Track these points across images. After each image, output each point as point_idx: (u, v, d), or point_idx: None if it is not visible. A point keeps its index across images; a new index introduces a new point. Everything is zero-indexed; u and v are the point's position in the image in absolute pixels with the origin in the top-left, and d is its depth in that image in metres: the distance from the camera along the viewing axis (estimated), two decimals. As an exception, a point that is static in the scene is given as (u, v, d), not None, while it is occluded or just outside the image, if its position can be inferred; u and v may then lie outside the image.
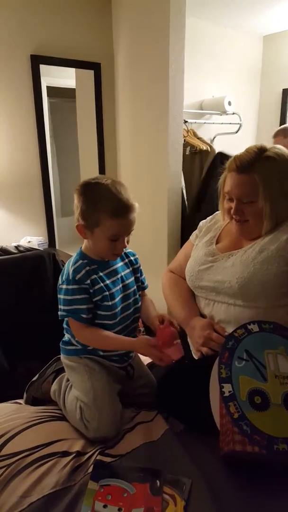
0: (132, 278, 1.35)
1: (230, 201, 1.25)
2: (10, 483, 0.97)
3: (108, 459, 1.05)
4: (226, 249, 1.32)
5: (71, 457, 1.05)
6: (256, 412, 0.94)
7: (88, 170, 2.75)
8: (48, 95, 2.41)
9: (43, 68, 2.29)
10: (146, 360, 1.51)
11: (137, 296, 1.35)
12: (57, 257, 2.10)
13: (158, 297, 1.41)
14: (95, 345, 1.26)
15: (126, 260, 1.35)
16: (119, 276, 1.29)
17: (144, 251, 2.51)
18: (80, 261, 1.22)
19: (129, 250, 1.37)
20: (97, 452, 1.08)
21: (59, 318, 1.25)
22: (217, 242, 1.38)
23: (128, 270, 1.34)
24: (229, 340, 1.08)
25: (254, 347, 1.06)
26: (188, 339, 1.42)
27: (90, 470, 1.01)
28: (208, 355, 1.20)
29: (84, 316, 1.20)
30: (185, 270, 1.43)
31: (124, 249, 1.27)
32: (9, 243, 2.24)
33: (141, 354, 1.29)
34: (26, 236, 2.40)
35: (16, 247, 2.13)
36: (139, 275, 1.39)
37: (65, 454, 1.06)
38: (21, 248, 2.14)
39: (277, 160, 1.17)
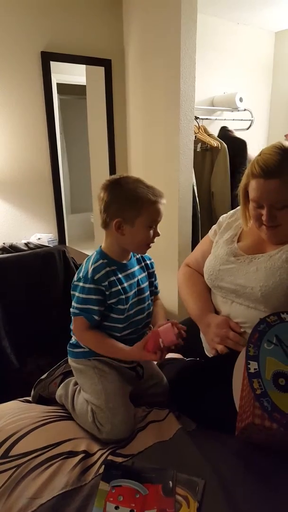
0: (147, 283, 1.34)
1: (259, 208, 1.17)
2: (19, 484, 0.96)
3: (119, 459, 1.04)
4: (248, 249, 1.28)
5: (80, 457, 1.04)
6: (279, 392, 0.94)
7: (98, 167, 2.74)
8: (58, 92, 2.40)
9: (54, 65, 2.28)
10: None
11: (150, 301, 1.35)
12: (67, 254, 2.10)
13: (167, 294, 1.40)
14: (93, 348, 1.24)
15: (143, 264, 1.35)
16: (135, 279, 1.28)
17: (155, 247, 2.50)
18: (101, 261, 1.21)
19: (145, 254, 1.36)
20: (108, 452, 1.07)
21: (71, 315, 1.23)
22: (238, 241, 1.33)
23: (144, 274, 1.34)
24: (261, 323, 1.07)
25: (285, 335, 1.05)
26: (201, 336, 1.40)
27: (101, 470, 0.99)
28: (223, 353, 1.18)
29: (95, 317, 1.19)
30: (201, 266, 1.40)
31: (137, 254, 1.33)
32: (19, 240, 2.25)
33: (140, 360, 1.28)
34: (36, 233, 2.40)
35: (26, 244, 2.13)
36: (153, 279, 1.39)
37: (75, 454, 1.05)
38: (31, 245, 2.14)
39: None
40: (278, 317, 1.09)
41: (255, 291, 1.18)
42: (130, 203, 1.16)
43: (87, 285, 1.17)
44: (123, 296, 1.21)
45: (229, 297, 1.28)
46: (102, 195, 1.19)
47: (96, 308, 1.18)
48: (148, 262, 1.38)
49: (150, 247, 1.26)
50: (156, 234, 1.23)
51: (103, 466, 1.01)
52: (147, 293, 1.32)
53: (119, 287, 1.21)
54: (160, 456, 1.05)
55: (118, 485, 0.95)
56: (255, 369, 0.98)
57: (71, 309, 1.22)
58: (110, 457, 1.05)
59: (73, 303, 1.21)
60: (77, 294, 1.19)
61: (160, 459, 1.04)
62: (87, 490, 0.94)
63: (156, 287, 1.42)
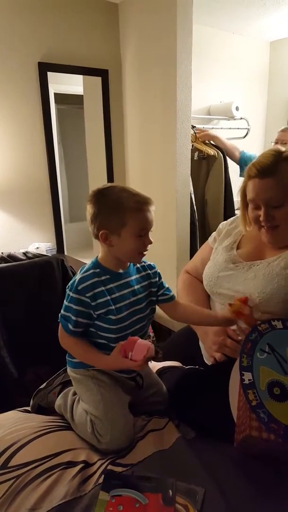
0: (146, 293, 1.29)
1: (256, 209, 1.19)
2: (19, 496, 0.95)
3: (119, 469, 1.03)
4: (247, 256, 1.29)
5: (80, 467, 1.03)
6: (275, 402, 0.94)
7: (96, 176, 2.76)
8: (56, 102, 2.43)
9: (51, 75, 2.30)
10: (155, 367, 1.49)
11: (147, 312, 1.29)
12: (66, 263, 2.10)
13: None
14: (74, 355, 1.23)
15: (144, 273, 1.30)
16: (131, 289, 1.25)
17: (153, 255, 2.50)
18: (91, 271, 1.19)
19: (149, 263, 1.33)
20: (107, 462, 1.06)
21: (58, 321, 1.23)
22: (237, 248, 1.34)
23: (144, 283, 1.28)
24: (252, 332, 1.07)
25: (277, 343, 1.04)
26: (200, 344, 1.40)
27: (100, 480, 0.99)
28: (221, 361, 1.18)
29: (70, 327, 1.17)
30: (201, 272, 1.41)
31: (143, 261, 1.28)
32: (18, 250, 2.25)
33: (118, 368, 1.22)
34: (34, 242, 2.40)
35: (25, 254, 2.14)
36: (156, 289, 1.31)
37: (74, 464, 1.04)
38: (30, 255, 2.14)
39: None
40: (269, 325, 1.09)
41: (253, 297, 1.18)
42: (114, 213, 1.14)
43: (71, 293, 1.17)
44: (113, 307, 1.18)
45: (227, 303, 1.28)
46: (88, 206, 1.17)
47: (73, 318, 1.16)
48: (150, 271, 1.31)
49: (144, 255, 1.23)
50: (148, 242, 1.20)
51: (102, 476, 1.00)
52: (144, 303, 1.28)
53: (108, 297, 1.18)
54: (160, 465, 1.04)
55: (118, 495, 0.94)
56: (249, 379, 0.97)
57: (59, 314, 1.22)
58: (109, 467, 1.04)
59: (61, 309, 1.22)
60: (64, 300, 1.20)
61: (159, 468, 1.03)
62: (87, 500, 0.93)
63: (167, 294, 1.33)
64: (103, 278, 1.19)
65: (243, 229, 1.33)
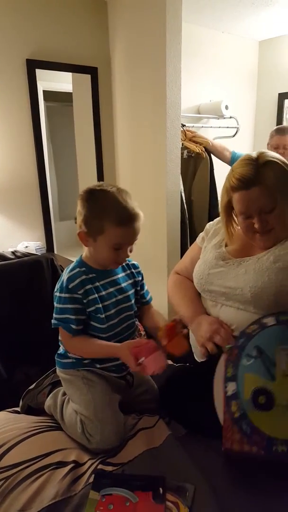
0: (133, 291, 1.31)
1: (248, 219, 1.20)
2: (8, 497, 0.94)
3: (109, 468, 1.03)
4: (236, 253, 1.30)
5: (70, 467, 1.03)
6: (259, 412, 0.93)
7: (86, 174, 2.75)
8: (44, 99, 2.40)
9: (39, 72, 2.28)
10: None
11: (134, 311, 1.31)
12: (56, 262, 2.08)
13: (157, 300, 1.39)
14: (83, 354, 1.23)
15: (128, 272, 1.32)
16: (118, 287, 1.25)
17: (144, 254, 2.50)
18: (77, 269, 1.19)
19: (133, 262, 1.33)
20: (98, 461, 1.06)
21: (52, 327, 1.22)
22: (226, 245, 1.35)
23: (129, 282, 1.30)
24: (240, 337, 1.06)
25: (266, 343, 1.03)
26: (191, 341, 1.40)
27: (91, 480, 0.98)
28: (213, 353, 1.18)
29: (73, 326, 1.17)
30: (191, 272, 1.41)
31: (127, 259, 1.27)
32: (6, 249, 2.22)
33: (122, 360, 1.20)
34: (23, 241, 2.38)
35: (13, 253, 2.11)
36: (139, 288, 1.34)
37: (64, 464, 1.04)
38: (18, 254, 2.12)
39: (277, 162, 1.17)
40: (259, 324, 1.07)
41: (244, 292, 1.19)
42: (95, 218, 1.12)
43: (63, 295, 1.17)
44: (100, 305, 1.19)
45: (218, 300, 1.29)
46: (77, 202, 1.17)
47: (73, 317, 1.17)
48: (134, 270, 1.33)
49: (121, 264, 1.23)
50: (124, 255, 1.18)
51: (93, 476, 1.00)
52: (132, 301, 1.29)
53: (96, 295, 1.19)
54: (150, 463, 1.05)
55: (108, 494, 0.94)
56: (233, 390, 0.96)
57: (52, 320, 1.21)
58: (100, 466, 1.04)
59: (54, 314, 1.20)
60: (56, 304, 1.19)
61: (150, 466, 1.04)
62: (77, 500, 0.93)
63: (144, 297, 1.37)
64: (90, 276, 1.20)
65: (228, 241, 1.34)
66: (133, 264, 1.34)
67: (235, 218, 1.30)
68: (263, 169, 1.14)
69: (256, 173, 1.14)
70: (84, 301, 1.17)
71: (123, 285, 1.27)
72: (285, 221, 1.19)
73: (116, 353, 1.17)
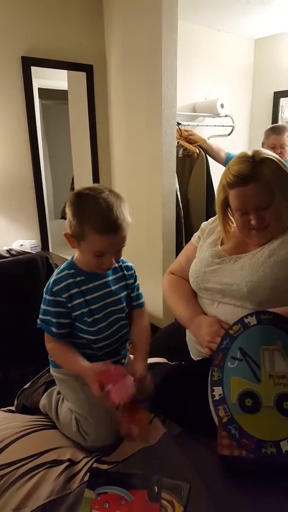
0: (124, 293, 1.28)
1: (245, 215, 1.21)
2: (3, 496, 0.94)
3: (104, 466, 1.03)
4: (232, 251, 1.31)
5: (65, 465, 1.03)
6: (246, 414, 0.93)
7: (81, 172, 2.74)
8: (40, 97, 2.39)
9: (35, 70, 2.26)
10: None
11: (125, 313, 1.29)
12: (51, 261, 2.07)
13: (152, 299, 1.39)
14: (56, 361, 1.23)
15: (120, 274, 1.28)
16: (107, 290, 1.23)
17: (139, 253, 2.50)
18: (65, 272, 1.18)
19: (126, 264, 1.30)
20: (93, 460, 1.06)
21: (37, 326, 1.21)
22: (221, 243, 1.36)
23: (120, 284, 1.27)
24: (223, 339, 1.06)
25: (250, 344, 1.04)
26: (188, 341, 1.41)
27: (86, 478, 0.98)
28: None
29: (54, 330, 1.16)
30: (186, 271, 1.42)
31: (121, 260, 1.26)
32: (1, 247, 2.22)
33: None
34: (19, 239, 2.37)
35: (8, 251, 2.11)
36: (131, 291, 1.31)
37: (59, 462, 1.04)
38: (13, 252, 2.11)
39: (273, 159, 1.19)
40: (242, 324, 1.07)
41: (241, 287, 1.21)
42: (77, 223, 1.09)
43: (47, 297, 1.16)
44: (86, 309, 1.17)
45: (215, 298, 1.30)
46: (66, 202, 1.14)
47: (54, 320, 1.16)
48: (126, 272, 1.29)
49: (107, 270, 1.20)
50: (108, 262, 1.14)
51: (88, 474, 1.00)
52: (123, 304, 1.28)
53: (82, 299, 1.17)
54: (146, 462, 1.05)
55: (103, 492, 0.94)
56: (219, 395, 0.96)
57: (38, 320, 1.20)
58: (95, 465, 1.04)
59: (39, 314, 1.20)
60: (42, 305, 1.19)
61: (145, 464, 1.04)
62: (72, 498, 0.93)
63: (135, 300, 1.33)
64: (78, 279, 1.18)
65: (224, 238, 1.36)
66: (127, 266, 1.30)
67: (231, 217, 1.32)
68: (260, 166, 1.16)
69: (253, 169, 1.15)
70: (69, 305, 1.16)
71: (113, 287, 1.25)
72: (280, 218, 1.20)
73: (83, 373, 1.14)
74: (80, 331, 1.21)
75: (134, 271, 1.32)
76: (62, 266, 1.21)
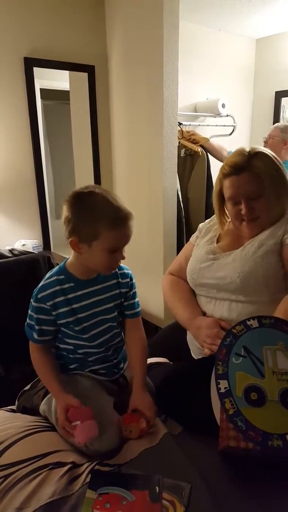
0: (116, 302, 1.24)
1: (236, 205, 1.28)
2: (6, 495, 0.94)
3: (106, 469, 1.03)
4: (226, 248, 1.35)
5: (67, 467, 1.03)
6: (252, 408, 0.94)
7: (83, 172, 2.74)
8: (42, 97, 2.40)
9: (37, 70, 2.27)
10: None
11: (117, 321, 1.26)
12: (52, 260, 2.08)
13: (153, 299, 1.39)
14: (36, 371, 1.20)
15: (114, 281, 1.24)
16: (97, 298, 1.20)
17: (140, 253, 2.50)
18: (55, 277, 1.15)
19: (124, 271, 1.26)
20: (95, 462, 1.05)
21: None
22: (217, 242, 1.40)
23: (113, 292, 1.23)
24: (227, 336, 1.07)
25: (253, 343, 1.05)
26: (188, 341, 1.41)
27: (88, 480, 0.99)
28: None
29: (35, 336, 1.15)
30: (185, 271, 1.43)
31: (119, 267, 1.23)
32: (3, 247, 2.22)
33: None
34: (21, 239, 2.38)
35: (11, 251, 2.11)
36: (123, 300, 1.27)
37: (62, 464, 1.04)
38: (16, 252, 2.12)
39: (267, 154, 1.26)
40: (244, 326, 1.08)
41: (234, 279, 1.25)
42: (87, 223, 1.05)
43: (32, 302, 1.15)
44: (73, 318, 1.15)
45: (211, 294, 1.32)
46: (63, 207, 1.09)
47: (36, 327, 1.14)
48: (121, 280, 1.24)
49: (115, 268, 1.18)
50: (120, 257, 1.12)
51: (90, 475, 1.00)
52: (115, 313, 1.24)
53: (68, 307, 1.14)
54: (147, 462, 1.05)
55: (105, 493, 0.94)
56: (225, 388, 0.96)
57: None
58: (97, 467, 1.04)
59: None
60: (29, 309, 1.18)
61: (146, 465, 1.04)
62: (74, 499, 0.93)
63: (129, 309, 1.29)
64: (66, 286, 1.15)
65: (220, 229, 1.42)
66: (123, 274, 1.25)
67: (226, 210, 1.37)
68: (254, 158, 1.23)
69: (247, 161, 1.23)
70: (53, 313, 1.13)
71: (104, 296, 1.21)
72: (270, 211, 1.26)
73: (55, 396, 1.15)
74: (68, 337, 1.19)
75: (131, 279, 1.27)
76: (52, 271, 1.18)
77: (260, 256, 1.23)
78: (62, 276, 1.15)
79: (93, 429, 1.06)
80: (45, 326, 1.15)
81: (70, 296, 1.15)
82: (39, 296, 1.13)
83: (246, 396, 0.95)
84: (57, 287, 1.14)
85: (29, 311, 1.17)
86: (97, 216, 1.05)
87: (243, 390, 0.96)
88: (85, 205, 1.07)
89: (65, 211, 1.09)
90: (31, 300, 1.16)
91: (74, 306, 1.15)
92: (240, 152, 1.26)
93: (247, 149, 1.26)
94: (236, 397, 0.95)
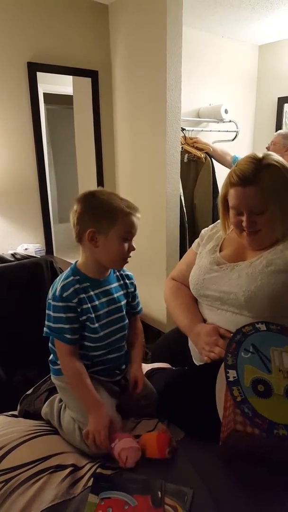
0: (124, 301, 1.30)
1: (239, 215, 1.23)
2: (8, 499, 0.94)
3: (108, 472, 1.03)
4: (230, 258, 1.32)
5: (69, 470, 1.03)
6: (259, 398, 0.95)
7: (86, 177, 2.75)
8: (45, 102, 2.41)
9: (40, 75, 2.29)
10: (144, 369, 1.48)
11: (126, 322, 1.30)
12: (55, 264, 2.08)
13: (156, 303, 1.40)
14: (69, 380, 1.19)
15: (122, 282, 1.31)
16: (111, 297, 1.25)
17: (143, 258, 2.50)
18: (71, 278, 1.18)
19: (127, 273, 1.34)
20: (96, 465, 1.05)
21: (43, 335, 1.21)
22: (220, 250, 1.37)
23: (122, 292, 1.30)
24: (237, 334, 1.09)
25: (261, 343, 1.06)
26: (190, 346, 1.41)
27: (89, 483, 0.98)
28: (215, 360, 1.19)
29: (68, 336, 1.15)
30: (187, 277, 1.42)
31: (117, 272, 1.30)
32: (6, 251, 2.23)
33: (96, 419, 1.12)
34: (23, 243, 2.39)
35: (13, 255, 2.12)
36: (130, 300, 1.34)
37: (63, 467, 1.04)
38: (18, 256, 2.12)
39: (279, 166, 1.18)
40: (253, 327, 1.11)
41: (238, 296, 1.21)
42: (105, 213, 1.15)
43: (56, 303, 1.15)
44: (92, 315, 1.18)
45: (214, 305, 1.30)
46: (75, 207, 1.17)
47: (67, 326, 1.15)
48: (127, 281, 1.33)
49: (127, 261, 1.23)
50: (131, 248, 1.20)
51: (92, 479, 1.00)
52: (124, 312, 1.29)
53: (89, 305, 1.18)
54: (149, 467, 1.05)
55: (107, 497, 0.94)
56: (234, 377, 0.99)
57: (44, 328, 1.20)
58: (99, 470, 1.04)
59: (46, 322, 1.19)
60: (49, 312, 1.18)
61: (149, 469, 1.03)
62: (76, 503, 0.93)
63: (134, 308, 1.37)
64: (84, 285, 1.19)
65: (223, 233, 1.39)
66: (127, 275, 1.34)
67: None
68: (263, 171, 1.16)
69: (255, 172, 1.16)
70: (78, 309, 1.16)
71: (116, 295, 1.26)
72: (274, 226, 1.20)
73: (92, 412, 1.13)
74: (86, 339, 1.20)
75: (134, 280, 1.36)
76: (65, 273, 1.21)
77: (267, 277, 1.18)
78: (78, 277, 1.20)
79: (138, 451, 1.07)
80: (75, 324, 1.17)
81: (89, 293, 1.20)
82: (64, 295, 1.15)
83: (254, 387, 0.97)
84: (77, 285, 1.18)
85: (54, 314, 1.16)
86: (113, 205, 1.15)
87: (250, 382, 0.98)
88: (100, 198, 1.17)
89: (78, 208, 1.17)
90: (54, 302, 1.16)
91: (94, 303, 1.20)
92: (251, 160, 1.18)
93: (260, 155, 1.19)
94: (244, 387, 0.97)
